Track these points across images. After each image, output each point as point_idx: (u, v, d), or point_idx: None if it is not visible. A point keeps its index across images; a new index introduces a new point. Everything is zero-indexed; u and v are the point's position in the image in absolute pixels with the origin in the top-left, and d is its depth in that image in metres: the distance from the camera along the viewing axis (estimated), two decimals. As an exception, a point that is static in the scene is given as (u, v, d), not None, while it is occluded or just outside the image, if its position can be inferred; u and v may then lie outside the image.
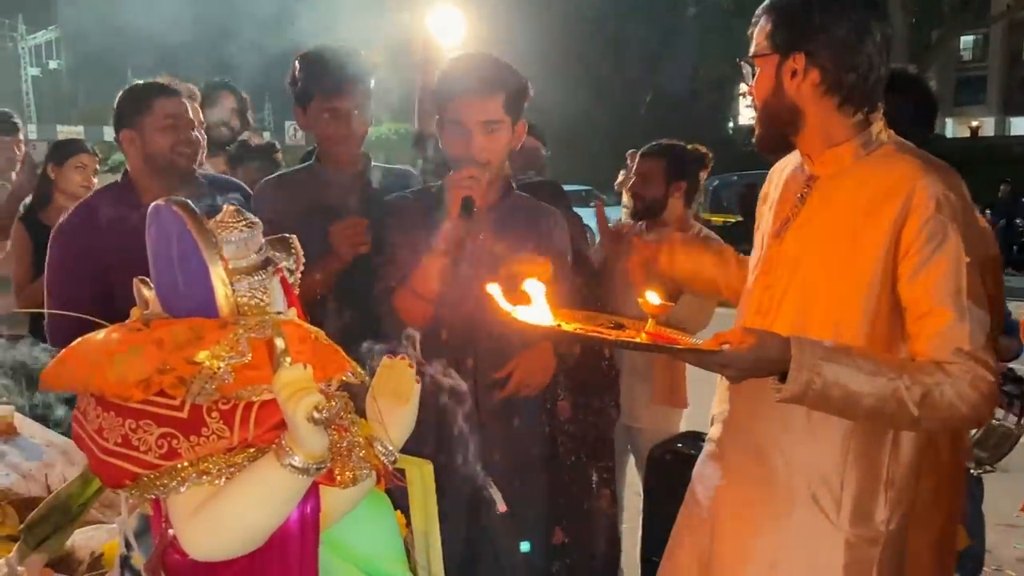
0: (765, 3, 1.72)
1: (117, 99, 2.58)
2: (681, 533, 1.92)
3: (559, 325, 1.60)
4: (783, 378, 1.53)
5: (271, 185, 2.59)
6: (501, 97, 2.15)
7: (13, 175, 4.29)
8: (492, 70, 2.19)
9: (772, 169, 1.91)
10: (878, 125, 1.70)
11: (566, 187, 3.62)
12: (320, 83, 2.47)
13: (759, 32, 1.70)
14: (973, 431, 2.84)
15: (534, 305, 1.57)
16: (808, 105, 1.67)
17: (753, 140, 1.76)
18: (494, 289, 1.58)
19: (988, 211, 14.66)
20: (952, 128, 40.31)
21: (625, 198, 3.59)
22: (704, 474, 1.89)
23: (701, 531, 1.84)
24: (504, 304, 1.57)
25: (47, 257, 2.61)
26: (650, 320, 1.63)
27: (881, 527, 1.68)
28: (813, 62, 1.65)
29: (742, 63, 1.74)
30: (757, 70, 1.70)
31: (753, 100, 1.72)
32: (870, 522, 1.67)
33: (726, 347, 1.52)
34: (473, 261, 2.18)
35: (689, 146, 3.58)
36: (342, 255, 2.36)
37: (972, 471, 3.07)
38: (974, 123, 39.36)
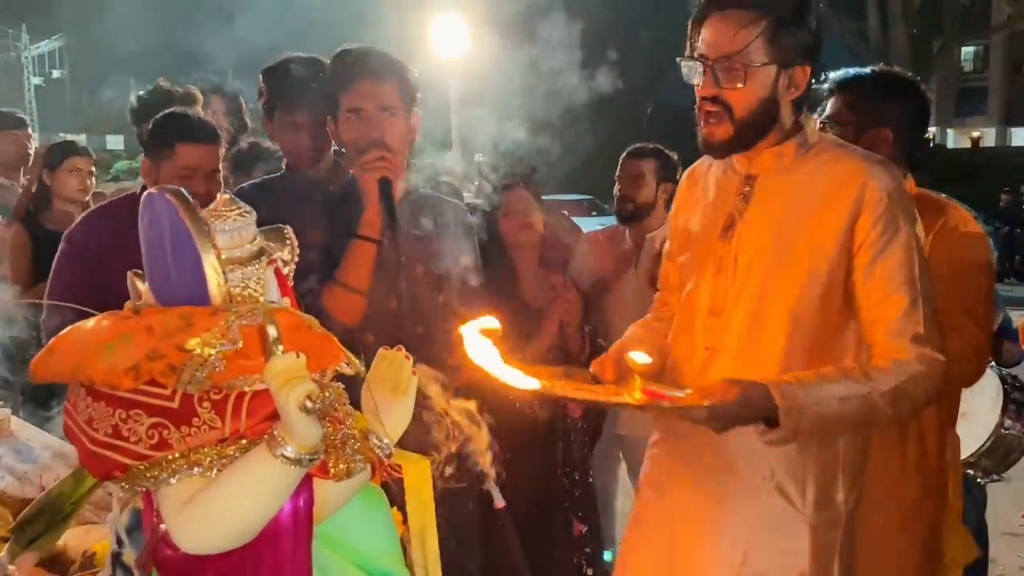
0: (748, 8, 1.67)
1: (138, 102, 2.59)
2: (635, 536, 1.93)
3: (545, 386, 1.62)
4: (768, 421, 1.61)
5: (246, 192, 2.59)
6: (395, 82, 2.20)
7: (22, 172, 4.28)
8: (383, 57, 2.23)
9: (683, 182, 1.96)
10: (812, 124, 1.76)
11: (568, 197, 3.58)
12: (279, 97, 2.50)
13: (744, 33, 1.64)
14: (983, 442, 2.83)
15: (497, 359, 1.59)
16: (783, 110, 1.72)
17: (712, 142, 1.73)
18: (470, 337, 1.59)
19: (988, 222, 14.68)
20: (953, 138, 40.33)
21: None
22: (654, 475, 1.91)
23: (659, 531, 1.85)
24: (483, 361, 1.58)
25: (54, 261, 2.62)
26: (636, 379, 1.63)
27: (841, 508, 1.76)
28: (807, 74, 1.70)
29: (717, 62, 1.68)
30: (748, 76, 1.67)
31: (723, 100, 1.69)
32: (832, 505, 1.74)
33: (712, 403, 1.57)
34: (395, 250, 2.16)
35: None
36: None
37: (979, 480, 3.05)
38: (975, 133, 39.39)
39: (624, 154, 3.46)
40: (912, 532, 2.14)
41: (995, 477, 3.01)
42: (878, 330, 1.66)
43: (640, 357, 1.62)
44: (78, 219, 2.75)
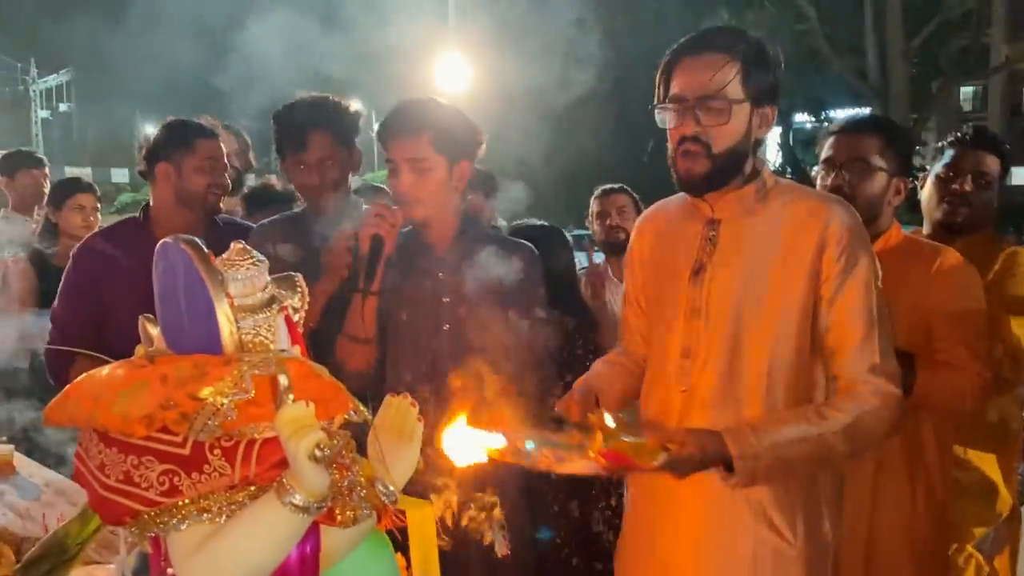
0: (716, 40, 1.74)
1: (158, 131, 2.66)
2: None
3: (502, 451, 1.62)
4: (728, 466, 1.64)
5: (263, 229, 2.64)
6: (428, 135, 2.21)
7: (36, 209, 4.35)
8: (419, 110, 2.25)
9: (640, 227, 2.00)
10: (767, 169, 1.83)
11: (570, 233, 3.65)
12: (287, 139, 2.55)
13: (722, 73, 1.70)
14: None
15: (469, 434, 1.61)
16: (750, 151, 1.79)
17: (691, 177, 1.77)
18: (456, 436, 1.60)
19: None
20: (953, 177, 40.51)
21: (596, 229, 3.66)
22: (636, 527, 1.93)
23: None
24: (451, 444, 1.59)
25: (60, 282, 2.67)
26: (599, 436, 1.62)
27: (828, 538, 1.80)
28: (774, 114, 1.78)
29: (697, 101, 1.73)
30: (729, 112, 1.72)
31: (703, 139, 1.74)
32: (820, 537, 1.79)
33: (668, 457, 1.60)
34: (431, 302, 2.23)
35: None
36: (332, 268, 2.37)
37: None
38: (974, 172, 39.58)
39: (599, 191, 3.68)
40: (922, 568, 2.20)
41: None
42: (836, 361, 1.72)
43: (610, 420, 1.62)
44: (81, 240, 2.80)
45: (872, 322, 1.71)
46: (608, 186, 3.69)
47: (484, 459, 1.60)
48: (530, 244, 2.42)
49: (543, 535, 2.56)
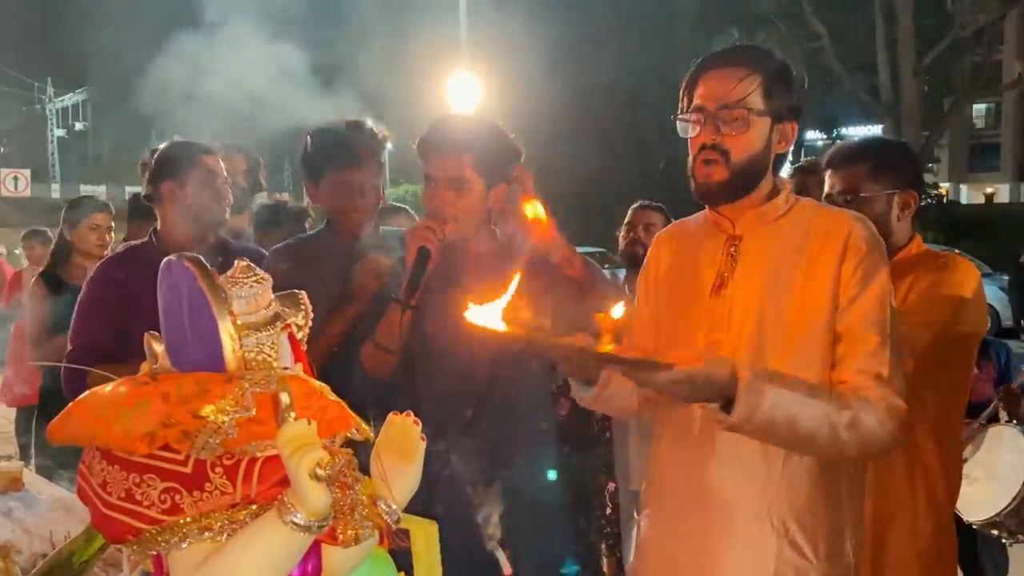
0: (741, 55, 1.80)
1: (159, 153, 2.69)
2: None
3: (510, 332, 1.53)
4: (726, 408, 1.58)
5: (280, 252, 2.63)
6: (470, 156, 2.20)
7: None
8: (464, 129, 2.25)
9: (657, 244, 2.01)
10: (787, 187, 1.85)
11: (582, 250, 3.67)
12: (332, 158, 2.54)
13: (744, 84, 1.74)
14: (1010, 501, 2.82)
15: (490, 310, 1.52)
16: (770, 165, 1.81)
17: (709, 184, 1.78)
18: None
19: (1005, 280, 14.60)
20: (967, 194, 40.40)
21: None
22: (651, 539, 1.91)
23: None
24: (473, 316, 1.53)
25: (77, 303, 2.69)
26: (606, 337, 1.56)
27: (849, 559, 1.78)
28: (795, 131, 1.80)
29: (718, 110, 1.76)
30: (750, 123, 1.75)
31: (722, 147, 1.76)
32: (841, 557, 1.76)
33: (677, 364, 1.54)
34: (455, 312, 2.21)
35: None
36: (362, 287, 2.38)
37: (1004, 541, 3.02)
38: (989, 189, 39.47)
39: (636, 205, 3.76)
40: (932, 574, 2.21)
41: (1020, 538, 2.98)
42: (845, 368, 1.71)
43: (617, 310, 1.57)
44: (97, 259, 2.84)
45: (885, 335, 1.70)
46: (646, 202, 3.76)
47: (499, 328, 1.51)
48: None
49: (568, 570, 2.52)
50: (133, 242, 2.96)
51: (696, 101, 1.79)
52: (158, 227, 2.74)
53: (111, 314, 2.59)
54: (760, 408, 1.57)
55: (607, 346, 1.56)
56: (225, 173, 2.76)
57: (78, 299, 2.70)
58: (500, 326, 1.52)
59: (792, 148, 1.83)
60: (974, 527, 2.93)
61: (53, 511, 2.66)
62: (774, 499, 1.73)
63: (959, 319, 2.19)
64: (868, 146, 2.37)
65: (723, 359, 1.61)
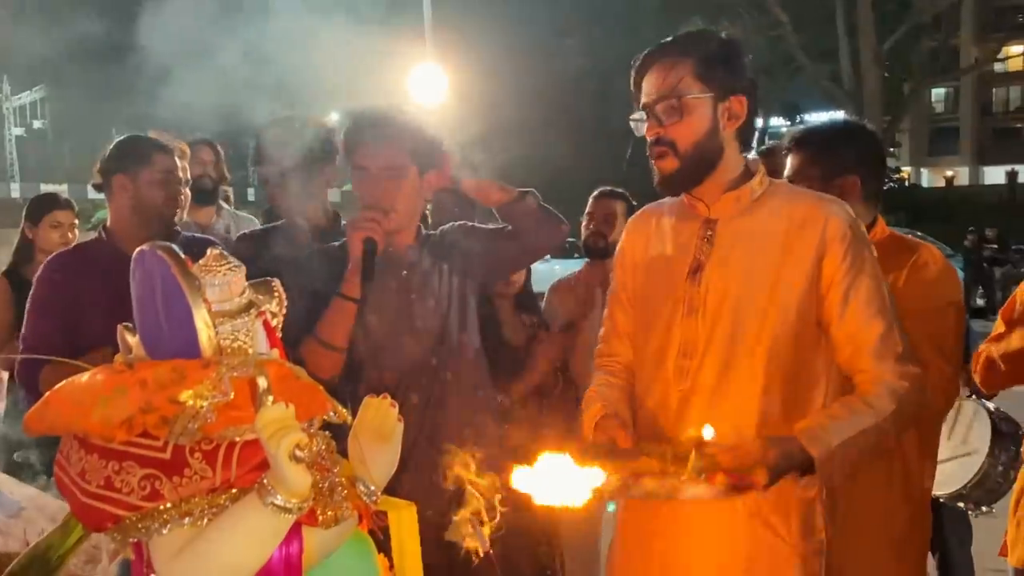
0: (669, 45, 1.82)
1: (114, 145, 2.66)
2: None
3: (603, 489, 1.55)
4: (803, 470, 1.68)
5: (242, 240, 2.64)
6: (403, 143, 2.23)
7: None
8: (393, 118, 2.27)
9: (632, 228, 2.01)
10: (762, 170, 1.86)
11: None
12: (273, 153, 2.54)
13: (673, 73, 1.78)
14: (974, 473, 2.88)
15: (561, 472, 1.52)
16: (727, 146, 1.82)
17: (663, 177, 1.83)
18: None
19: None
20: (928, 178, 41.03)
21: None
22: (626, 522, 1.93)
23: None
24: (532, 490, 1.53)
25: (28, 301, 2.66)
26: (693, 455, 1.59)
27: (821, 535, 1.82)
28: (744, 105, 1.81)
29: (655, 105, 1.79)
30: (684, 110, 1.78)
31: (667, 139, 1.79)
32: (814, 534, 1.82)
33: (766, 470, 1.62)
34: (398, 304, 2.24)
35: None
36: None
37: (970, 512, 3.09)
38: (948, 172, 40.10)
39: (596, 193, 3.66)
40: (904, 562, 2.22)
41: (984, 509, 3.04)
42: (862, 357, 1.75)
43: (708, 432, 1.61)
44: (46, 260, 2.80)
45: (889, 314, 1.75)
46: (606, 188, 3.66)
47: (589, 498, 1.53)
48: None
49: None
50: (81, 240, 2.94)
51: (642, 99, 1.83)
52: (107, 223, 2.72)
53: (60, 312, 2.56)
54: (835, 468, 1.68)
55: (696, 465, 1.59)
56: (183, 171, 2.74)
57: (28, 298, 2.67)
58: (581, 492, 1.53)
59: (749, 123, 1.83)
60: (941, 500, 2.99)
61: (25, 510, 2.64)
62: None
63: (947, 331, 2.19)
64: (806, 136, 2.35)
65: (788, 440, 1.67)
